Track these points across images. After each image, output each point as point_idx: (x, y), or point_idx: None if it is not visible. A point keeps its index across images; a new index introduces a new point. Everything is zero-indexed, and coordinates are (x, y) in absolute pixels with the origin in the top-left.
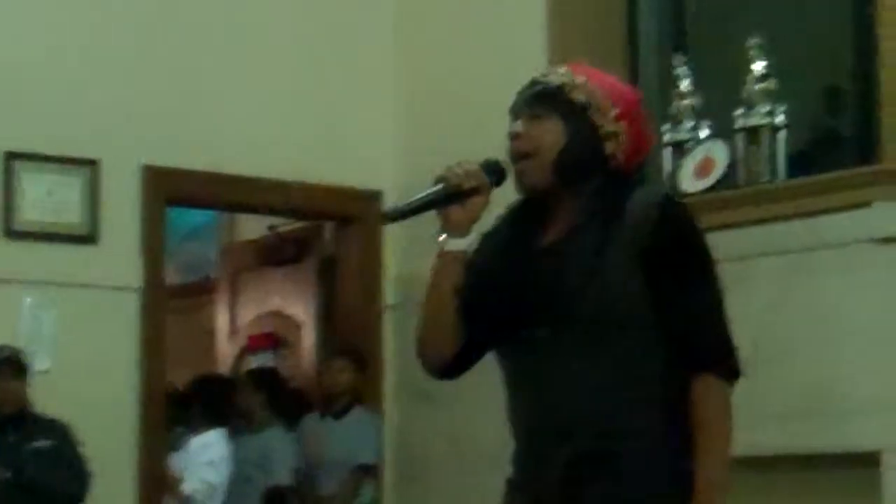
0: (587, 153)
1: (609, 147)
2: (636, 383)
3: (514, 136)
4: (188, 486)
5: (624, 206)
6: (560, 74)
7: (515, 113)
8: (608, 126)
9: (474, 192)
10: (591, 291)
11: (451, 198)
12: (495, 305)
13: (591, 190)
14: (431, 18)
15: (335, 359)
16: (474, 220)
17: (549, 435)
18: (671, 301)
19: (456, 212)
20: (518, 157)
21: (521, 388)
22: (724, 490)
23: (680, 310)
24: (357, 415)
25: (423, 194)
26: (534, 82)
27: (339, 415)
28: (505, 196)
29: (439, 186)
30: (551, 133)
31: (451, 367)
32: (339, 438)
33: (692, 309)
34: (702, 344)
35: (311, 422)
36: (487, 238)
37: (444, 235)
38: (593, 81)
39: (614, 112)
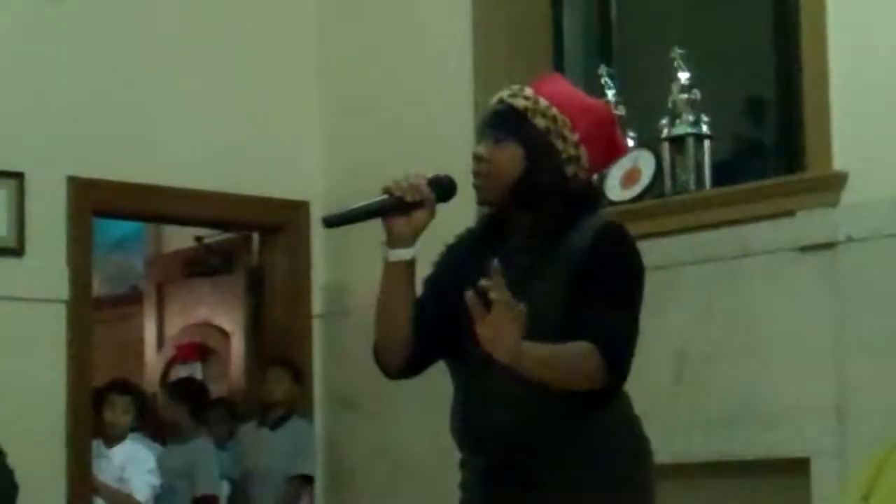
0: (546, 178)
1: (570, 170)
2: (552, 403)
3: (476, 158)
4: (142, 496)
5: (567, 230)
6: (524, 98)
7: (480, 132)
8: (569, 150)
9: (418, 205)
10: None
11: (393, 209)
12: (445, 318)
13: (544, 212)
14: (356, 27)
15: (272, 368)
16: (417, 232)
17: (471, 442)
18: (585, 309)
19: (399, 223)
20: (477, 177)
21: (457, 396)
22: (521, 365)
23: (591, 317)
24: (295, 425)
25: (365, 203)
26: (500, 101)
27: (275, 425)
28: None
29: (383, 197)
30: (511, 158)
31: (405, 370)
32: (277, 448)
33: (604, 317)
34: (603, 333)
35: (248, 431)
36: (450, 251)
37: (386, 246)
38: (558, 104)
39: (575, 137)
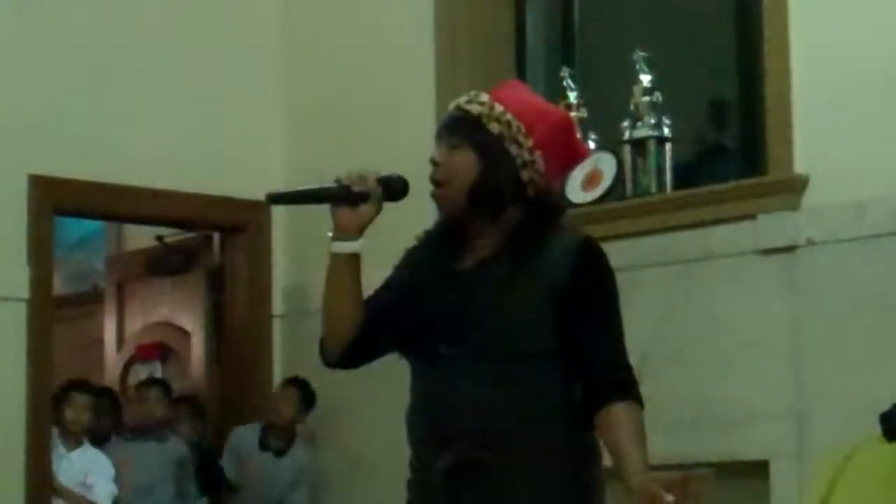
0: (501, 183)
1: (525, 175)
2: (524, 404)
3: (432, 164)
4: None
5: (542, 241)
6: (479, 103)
7: (437, 138)
8: (524, 155)
9: (364, 198)
10: (494, 324)
11: (339, 198)
12: (406, 320)
13: (510, 221)
14: (319, 29)
15: (286, 388)
16: (362, 226)
17: (434, 441)
18: (589, 339)
19: (344, 214)
20: (435, 183)
21: (420, 395)
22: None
23: (597, 348)
24: (298, 453)
25: (312, 186)
26: (456, 107)
27: (280, 452)
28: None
29: (331, 184)
30: (465, 164)
31: (343, 361)
32: (280, 477)
33: (608, 347)
34: (621, 378)
35: (250, 449)
36: (412, 253)
37: (331, 237)
38: (513, 110)
39: (530, 142)
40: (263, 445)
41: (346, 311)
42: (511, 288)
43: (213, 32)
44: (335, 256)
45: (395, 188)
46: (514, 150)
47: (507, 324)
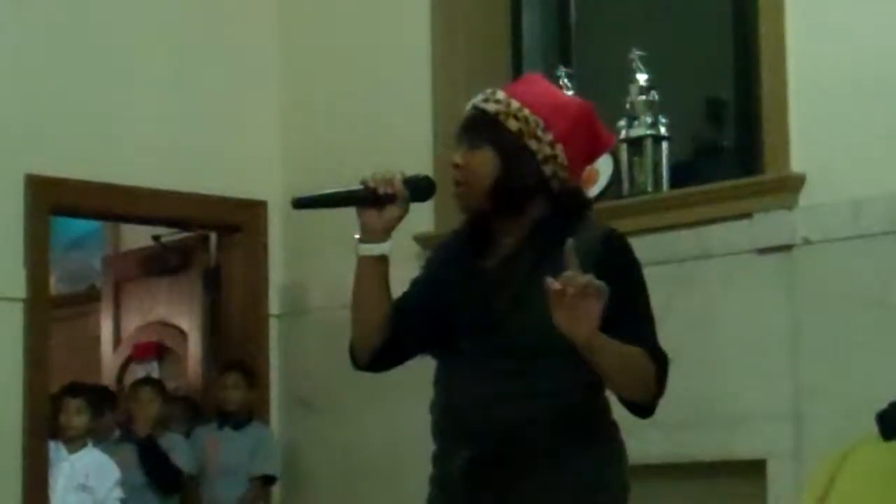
0: (523, 180)
1: (548, 170)
2: (545, 401)
3: (453, 166)
4: None
5: (566, 236)
6: (496, 101)
7: (457, 139)
8: (544, 150)
9: (390, 199)
10: (516, 320)
11: (365, 200)
12: (431, 317)
13: (533, 217)
14: (316, 28)
15: (228, 374)
16: (389, 228)
17: (455, 435)
18: (618, 328)
19: (370, 217)
20: (456, 184)
21: (443, 390)
22: (597, 352)
23: (627, 335)
24: (256, 427)
25: (337, 190)
26: (473, 107)
27: (238, 426)
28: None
29: (356, 187)
30: (486, 164)
31: (370, 364)
32: (240, 447)
33: (639, 333)
34: (653, 351)
35: (208, 431)
36: (439, 251)
37: (358, 240)
38: (530, 105)
39: (549, 136)
40: (221, 426)
41: (375, 314)
42: (533, 284)
43: (210, 31)
44: (363, 259)
45: (421, 188)
46: (533, 145)
47: (529, 320)
